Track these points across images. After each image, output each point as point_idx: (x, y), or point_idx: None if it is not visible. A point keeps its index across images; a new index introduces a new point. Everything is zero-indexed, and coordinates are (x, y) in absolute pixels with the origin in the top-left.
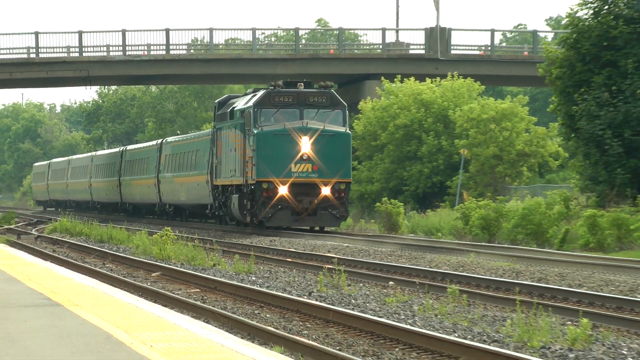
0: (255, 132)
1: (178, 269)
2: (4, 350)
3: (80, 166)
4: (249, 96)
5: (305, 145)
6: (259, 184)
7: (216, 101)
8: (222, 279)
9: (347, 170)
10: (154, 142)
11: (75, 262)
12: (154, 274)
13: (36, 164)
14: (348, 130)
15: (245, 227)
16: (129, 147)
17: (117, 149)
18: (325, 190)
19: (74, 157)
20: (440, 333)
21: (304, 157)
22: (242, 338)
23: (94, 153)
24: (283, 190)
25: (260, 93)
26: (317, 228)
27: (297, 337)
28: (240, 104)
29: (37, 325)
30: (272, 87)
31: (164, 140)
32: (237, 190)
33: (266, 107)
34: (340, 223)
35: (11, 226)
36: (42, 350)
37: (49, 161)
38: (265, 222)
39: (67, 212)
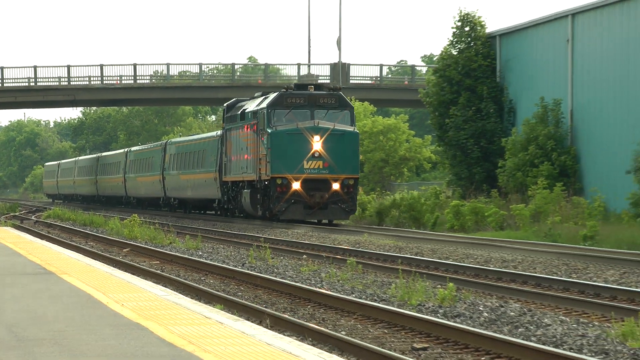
0: (270, 131)
1: (143, 246)
2: (11, 307)
3: (86, 165)
4: (260, 99)
5: (317, 143)
6: (273, 179)
7: (224, 105)
8: (177, 254)
9: (355, 167)
10: (158, 143)
11: (64, 240)
12: (124, 250)
13: (47, 164)
14: (356, 130)
15: (254, 220)
16: (133, 148)
17: (122, 150)
18: (335, 186)
19: (80, 158)
20: (341, 294)
21: (316, 155)
22: (191, 299)
23: (100, 154)
24: (296, 186)
25: (273, 95)
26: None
27: (233, 298)
28: (251, 106)
29: (36, 289)
30: (285, 90)
31: (168, 142)
32: (249, 185)
33: (279, 108)
34: (349, 216)
35: (16, 213)
36: (40, 307)
37: (58, 161)
38: (280, 216)
39: (69, 204)
